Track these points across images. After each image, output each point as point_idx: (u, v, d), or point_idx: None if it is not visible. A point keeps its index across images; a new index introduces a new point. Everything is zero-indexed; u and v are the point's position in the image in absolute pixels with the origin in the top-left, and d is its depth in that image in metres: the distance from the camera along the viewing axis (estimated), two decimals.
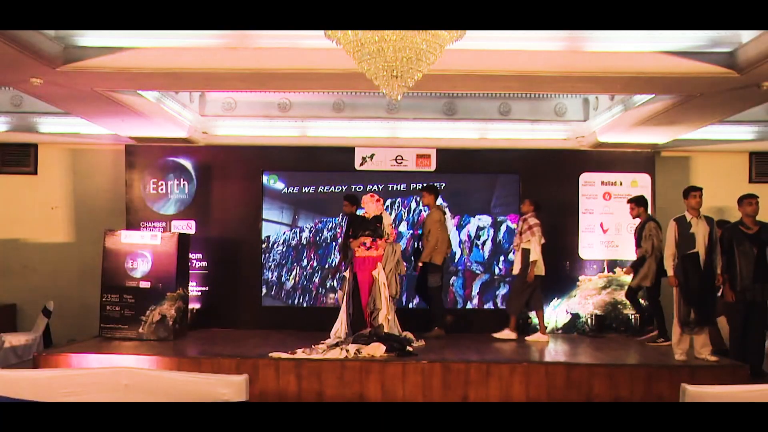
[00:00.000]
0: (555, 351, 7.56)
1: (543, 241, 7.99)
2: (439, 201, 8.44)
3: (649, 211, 8.32)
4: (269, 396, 6.18)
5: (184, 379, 4.23)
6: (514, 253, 8.33)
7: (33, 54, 5.42)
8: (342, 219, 8.68)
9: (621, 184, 9.08)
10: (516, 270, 8.10)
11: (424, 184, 8.46)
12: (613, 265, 9.01)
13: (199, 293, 8.88)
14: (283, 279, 9.10)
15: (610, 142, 8.68)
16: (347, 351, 6.62)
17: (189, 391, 4.02)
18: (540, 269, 7.97)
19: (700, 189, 6.91)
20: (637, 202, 8.10)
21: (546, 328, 8.22)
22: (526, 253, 7.94)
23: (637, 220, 8.11)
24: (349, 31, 4.06)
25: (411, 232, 9.07)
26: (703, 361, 6.57)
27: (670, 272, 6.84)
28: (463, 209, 9.10)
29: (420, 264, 8.08)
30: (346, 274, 7.74)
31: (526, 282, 7.95)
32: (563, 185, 9.04)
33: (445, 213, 8.36)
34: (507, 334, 7.95)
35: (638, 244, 7.99)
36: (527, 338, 7.95)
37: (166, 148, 9.06)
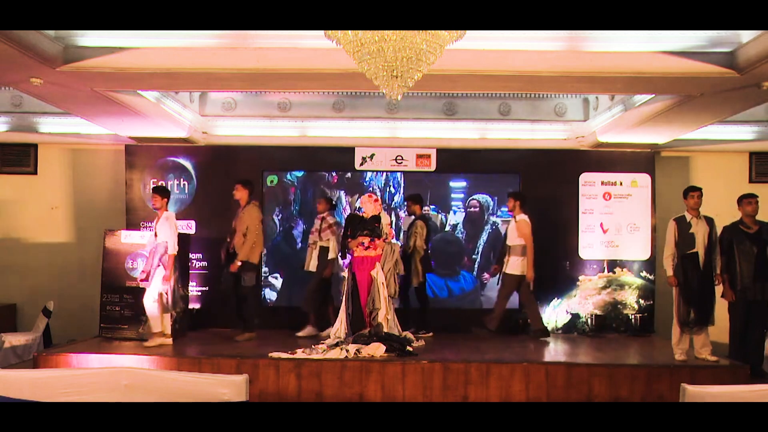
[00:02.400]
0: (555, 351, 7.57)
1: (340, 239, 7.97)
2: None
3: (649, 211, 8.31)
4: (269, 396, 6.18)
5: (184, 379, 4.23)
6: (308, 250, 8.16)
7: (33, 54, 5.42)
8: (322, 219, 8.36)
9: (621, 184, 9.08)
10: (312, 267, 8.00)
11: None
12: (613, 265, 9.01)
13: (199, 293, 8.88)
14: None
15: (610, 142, 8.68)
16: (347, 351, 6.63)
17: (189, 391, 4.03)
18: (335, 267, 7.96)
19: (700, 189, 6.91)
20: (414, 200, 8.31)
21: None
22: (323, 251, 7.94)
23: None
24: (349, 31, 4.05)
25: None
26: (703, 361, 6.58)
27: (669, 272, 6.84)
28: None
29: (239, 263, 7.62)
30: (345, 274, 7.74)
31: (322, 279, 7.93)
32: (563, 185, 9.04)
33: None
34: (309, 331, 7.85)
35: (406, 242, 8.20)
36: (298, 333, 7.79)
37: (166, 148, 9.06)
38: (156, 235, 7.28)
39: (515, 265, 7.92)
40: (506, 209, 8.59)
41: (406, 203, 8.67)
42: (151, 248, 7.35)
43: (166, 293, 7.17)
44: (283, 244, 9.20)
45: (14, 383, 4.09)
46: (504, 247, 8.17)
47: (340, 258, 8.25)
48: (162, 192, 7.44)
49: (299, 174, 9.21)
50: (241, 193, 7.75)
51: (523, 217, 7.97)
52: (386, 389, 6.23)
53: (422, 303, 8.35)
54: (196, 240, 8.77)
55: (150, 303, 7.15)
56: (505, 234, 8.26)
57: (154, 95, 7.37)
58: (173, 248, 7.22)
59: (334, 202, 8.55)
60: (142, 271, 7.43)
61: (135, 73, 6.01)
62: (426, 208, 8.93)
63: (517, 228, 7.96)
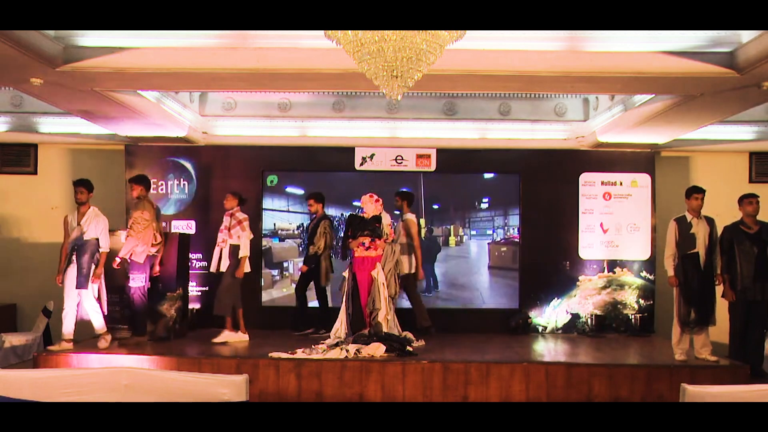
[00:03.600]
0: (555, 351, 7.57)
1: (251, 236, 7.74)
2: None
3: (649, 211, 8.29)
4: (269, 396, 6.19)
5: (184, 379, 4.24)
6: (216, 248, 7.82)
7: (33, 54, 5.42)
8: (312, 221, 8.31)
9: (621, 184, 9.08)
10: (223, 267, 7.67)
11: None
12: (613, 265, 9.01)
13: (199, 293, 8.88)
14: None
15: (610, 142, 8.68)
16: (347, 351, 6.63)
17: (189, 391, 4.03)
18: (247, 267, 7.65)
19: (703, 191, 6.90)
20: (316, 198, 8.21)
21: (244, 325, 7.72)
22: (234, 249, 7.60)
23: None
24: (349, 31, 4.05)
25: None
26: (703, 361, 6.58)
27: (670, 272, 6.84)
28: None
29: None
30: (346, 274, 7.74)
31: (236, 279, 7.58)
32: (563, 185, 9.04)
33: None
34: (226, 336, 7.51)
35: (311, 241, 8.15)
36: (214, 340, 7.41)
37: (166, 148, 9.06)
38: (83, 231, 6.93)
39: (404, 264, 7.97)
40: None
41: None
42: (72, 245, 6.95)
43: (99, 292, 7.01)
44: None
45: (14, 383, 4.09)
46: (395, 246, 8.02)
47: (337, 257, 8.25)
48: (88, 186, 7.15)
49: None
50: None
51: (410, 217, 8.18)
52: (386, 389, 6.24)
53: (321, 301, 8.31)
54: (196, 240, 8.77)
55: (92, 304, 6.93)
56: (304, 231, 8.34)
57: (154, 95, 7.37)
58: (106, 246, 7.01)
59: (243, 197, 7.97)
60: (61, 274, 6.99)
61: (135, 73, 6.01)
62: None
63: (403, 227, 8.09)
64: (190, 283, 8.55)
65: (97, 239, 6.99)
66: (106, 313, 7.16)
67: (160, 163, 9.09)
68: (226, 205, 7.80)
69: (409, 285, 8.11)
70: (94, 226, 7.01)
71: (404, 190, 8.48)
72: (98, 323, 7.01)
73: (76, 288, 6.90)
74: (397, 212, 8.40)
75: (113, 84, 6.46)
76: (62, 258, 7.02)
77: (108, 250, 7.07)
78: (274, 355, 6.48)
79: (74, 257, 6.95)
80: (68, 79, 6.14)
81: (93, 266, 6.95)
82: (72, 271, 6.92)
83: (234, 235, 7.62)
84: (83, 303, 6.97)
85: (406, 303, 8.31)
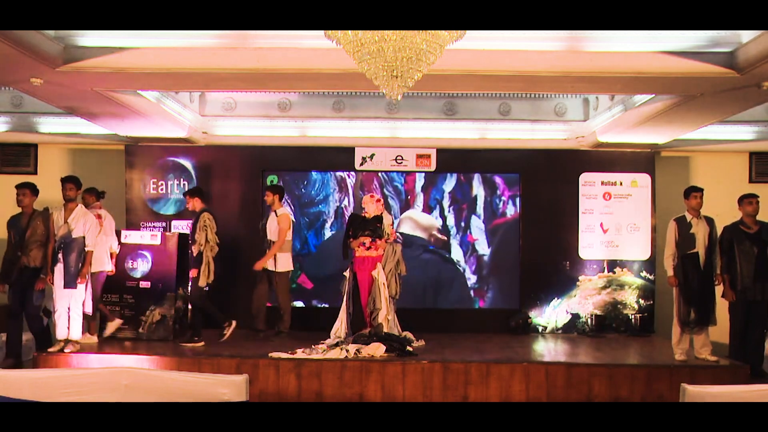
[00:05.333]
0: (555, 351, 7.57)
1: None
2: None
3: (649, 211, 8.25)
4: (269, 396, 6.19)
5: (184, 379, 4.23)
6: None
7: (33, 54, 5.42)
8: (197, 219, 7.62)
9: (621, 184, 9.08)
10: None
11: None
12: (613, 265, 9.01)
13: None
14: None
15: (610, 142, 8.68)
16: (347, 351, 6.63)
17: (189, 391, 4.03)
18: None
19: (701, 190, 6.91)
20: (191, 193, 7.66)
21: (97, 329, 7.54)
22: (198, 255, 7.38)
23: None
24: (349, 31, 4.05)
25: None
26: (703, 361, 6.58)
27: (670, 272, 6.84)
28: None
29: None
30: (346, 273, 7.74)
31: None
32: (563, 185, 9.04)
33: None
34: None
35: (193, 239, 7.49)
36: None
37: (166, 148, 9.06)
38: (71, 229, 6.82)
39: (402, 265, 7.78)
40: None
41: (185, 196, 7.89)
42: (59, 242, 6.84)
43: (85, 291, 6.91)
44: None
45: (14, 383, 4.09)
46: (266, 242, 7.94)
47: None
48: (77, 182, 7.07)
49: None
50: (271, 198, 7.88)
51: (284, 212, 7.91)
52: (386, 389, 6.24)
53: (201, 308, 7.54)
54: None
55: (77, 310, 6.81)
56: (264, 227, 8.07)
57: (154, 95, 7.37)
58: (92, 245, 6.93)
59: (101, 191, 7.70)
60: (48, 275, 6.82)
61: (135, 73, 6.01)
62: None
63: (277, 222, 7.80)
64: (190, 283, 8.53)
65: (84, 237, 6.88)
66: (91, 313, 7.08)
67: (160, 163, 9.09)
68: (87, 201, 7.53)
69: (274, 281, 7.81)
70: (82, 224, 6.92)
71: (275, 184, 8.12)
72: (76, 331, 6.80)
73: (64, 288, 6.78)
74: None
75: (113, 84, 6.46)
76: (49, 256, 6.86)
77: (94, 249, 6.97)
78: (274, 355, 6.48)
79: (61, 255, 6.83)
80: (68, 79, 6.14)
81: (80, 265, 6.83)
82: (59, 271, 6.81)
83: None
84: (71, 306, 6.80)
85: (406, 303, 8.30)
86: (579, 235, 9.03)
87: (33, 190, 7.03)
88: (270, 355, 6.48)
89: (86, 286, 6.95)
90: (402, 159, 9.02)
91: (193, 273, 7.41)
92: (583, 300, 8.93)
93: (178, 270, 7.85)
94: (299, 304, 8.93)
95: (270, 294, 8.02)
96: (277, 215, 7.88)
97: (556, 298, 8.93)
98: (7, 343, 6.94)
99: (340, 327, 7.53)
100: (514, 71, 5.93)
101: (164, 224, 8.98)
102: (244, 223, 9.02)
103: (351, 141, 9.05)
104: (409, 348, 6.90)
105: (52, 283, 6.86)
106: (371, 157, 9.02)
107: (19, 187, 7.02)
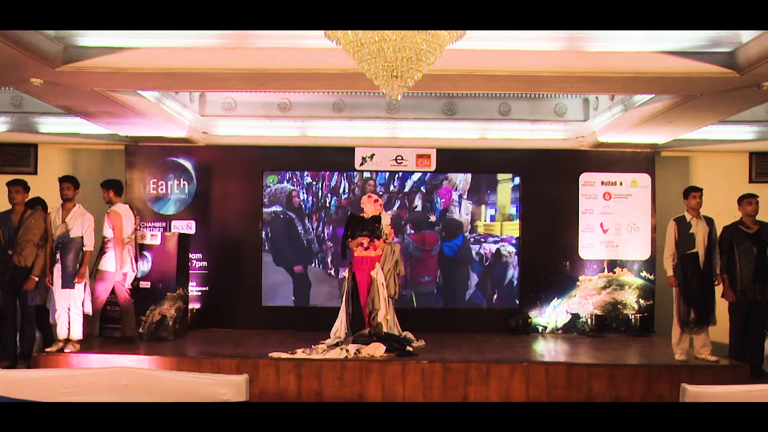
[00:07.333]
0: (555, 351, 7.57)
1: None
2: None
3: (649, 211, 8.23)
4: (269, 396, 6.19)
5: (184, 379, 4.22)
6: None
7: (33, 54, 5.42)
8: None
9: (621, 184, 9.08)
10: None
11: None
12: (613, 265, 9.01)
13: (199, 293, 8.88)
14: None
15: (610, 142, 8.68)
16: (347, 351, 6.63)
17: (189, 391, 4.02)
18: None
19: (701, 189, 6.92)
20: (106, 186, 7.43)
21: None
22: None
23: None
24: (349, 31, 4.05)
25: (412, 232, 9.10)
26: (703, 361, 6.58)
27: (669, 272, 6.84)
28: None
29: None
30: (345, 274, 7.74)
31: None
32: (563, 185, 9.04)
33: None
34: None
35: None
36: None
37: (166, 148, 9.06)
38: (68, 228, 6.79)
39: (401, 265, 7.71)
40: None
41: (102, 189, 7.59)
42: (57, 242, 6.81)
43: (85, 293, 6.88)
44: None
45: (14, 383, 4.08)
46: (104, 241, 7.41)
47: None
48: (75, 182, 7.03)
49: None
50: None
51: (122, 207, 7.44)
52: (386, 389, 6.24)
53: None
54: (196, 240, 8.77)
55: (77, 311, 6.77)
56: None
57: (154, 95, 7.37)
58: (91, 245, 6.91)
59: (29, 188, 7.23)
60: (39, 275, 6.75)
61: (135, 73, 6.01)
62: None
63: (108, 220, 7.36)
64: (190, 283, 8.54)
65: (82, 237, 6.87)
66: (91, 313, 7.04)
67: (160, 163, 9.09)
68: (105, 199, 7.45)
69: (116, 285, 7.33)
70: (80, 224, 6.89)
71: (110, 179, 7.68)
72: (76, 331, 6.79)
73: (62, 288, 6.77)
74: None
75: (113, 84, 6.46)
76: (47, 256, 6.85)
77: (92, 249, 6.94)
78: (274, 355, 6.49)
79: (58, 255, 6.81)
80: (68, 79, 6.14)
81: (78, 265, 6.81)
82: (58, 271, 6.80)
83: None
84: (70, 306, 6.80)
85: (406, 303, 8.32)
86: (579, 235, 9.03)
87: (25, 187, 7.00)
88: (270, 355, 6.48)
89: (85, 285, 6.93)
90: (402, 159, 9.02)
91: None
92: (583, 300, 8.93)
93: (178, 270, 7.85)
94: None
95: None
96: (109, 212, 7.41)
97: (556, 298, 8.93)
98: (0, 344, 6.88)
99: (339, 327, 7.53)
100: (514, 71, 5.93)
101: (164, 224, 8.98)
102: (243, 224, 9.02)
103: (351, 141, 9.05)
104: (409, 348, 6.90)
105: (51, 284, 6.85)
106: (371, 157, 9.02)
107: (11, 184, 6.98)
